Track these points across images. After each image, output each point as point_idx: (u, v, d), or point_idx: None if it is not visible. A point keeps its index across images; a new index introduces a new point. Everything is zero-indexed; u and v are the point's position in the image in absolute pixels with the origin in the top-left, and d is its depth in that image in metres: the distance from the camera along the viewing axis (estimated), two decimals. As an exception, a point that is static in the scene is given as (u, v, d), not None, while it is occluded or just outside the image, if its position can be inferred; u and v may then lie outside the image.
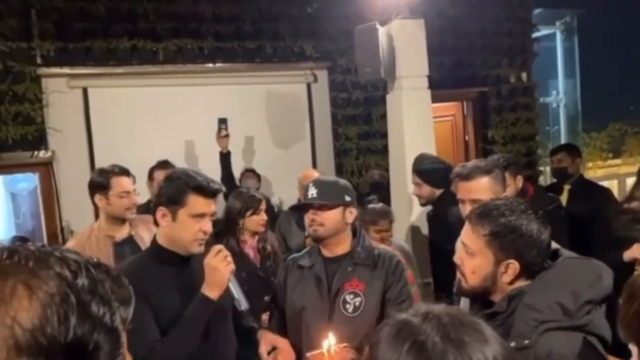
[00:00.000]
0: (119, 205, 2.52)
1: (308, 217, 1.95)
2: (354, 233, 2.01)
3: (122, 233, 2.56)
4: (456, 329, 0.74)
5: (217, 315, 1.73)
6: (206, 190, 1.70)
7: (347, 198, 1.96)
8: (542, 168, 6.30)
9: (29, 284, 0.57)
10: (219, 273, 1.64)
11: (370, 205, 3.05)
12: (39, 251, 0.61)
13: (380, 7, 3.69)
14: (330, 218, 1.92)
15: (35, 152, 4.27)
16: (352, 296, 1.88)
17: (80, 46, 4.33)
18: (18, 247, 0.61)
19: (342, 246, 1.97)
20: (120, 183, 2.53)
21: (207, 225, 1.70)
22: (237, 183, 4.13)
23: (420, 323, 0.75)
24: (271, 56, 4.90)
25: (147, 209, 2.66)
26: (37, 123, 4.25)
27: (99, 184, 2.53)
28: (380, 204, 3.07)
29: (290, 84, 5.03)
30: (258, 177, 4.42)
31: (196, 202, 1.68)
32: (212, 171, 4.11)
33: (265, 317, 2.33)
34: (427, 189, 2.99)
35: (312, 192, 1.95)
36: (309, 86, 5.09)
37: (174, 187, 1.69)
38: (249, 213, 2.78)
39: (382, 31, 3.56)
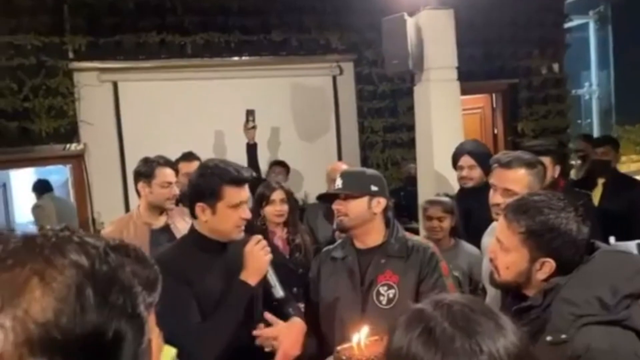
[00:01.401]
0: (160, 194, 2.61)
1: (334, 207, 1.96)
2: (387, 224, 1.99)
3: (159, 222, 2.65)
4: (466, 317, 0.75)
5: (251, 307, 1.77)
6: (239, 180, 1.76)
7: (374, 188, 1.94)
8: (573, 162, 6.14)
9: (43, 275, 0.53)
10: (260, 260, 1.73)
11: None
12: (55, 237, 0.57)
13: (407, -3, 3.64)
14: (355, 208, 1.91)
15: (68, 145, 4.37)
16: (385, 288, 1.87)
17: (110, 41, 4.41)
18: (34, 233, 0.58)
19: (373, 237, 1.96)
20: (164, 173, 2.62)
21: (245, 212, 1.78)
22: (264, 175, 4.15)
23: (431, 310, 0.77)
24: (297, 49, 4.90)
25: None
26: (69, 116, 4.35)
27: (144, 172, 2.63)
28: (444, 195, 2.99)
29: (316, 77, 5.02)
30: (287, 169, 4.42)
31: (232, 194, 1.74)
32: (239, 162, 4.15)
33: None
34: (479, 172, 2.91)
35: (338, 182, 1.96)
36: (334, 78, 5.07)
37: (209, 183, 1.75)
38: (264, 203, 2.79)
39: (410, 22, 3.51)
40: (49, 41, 4.26)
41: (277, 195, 2.81)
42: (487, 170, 2.92)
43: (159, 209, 2.64)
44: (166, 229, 2.62)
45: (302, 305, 2.20)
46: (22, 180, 6.47)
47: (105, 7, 4.36)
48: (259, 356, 1.75)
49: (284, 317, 1.88)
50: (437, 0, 3.55)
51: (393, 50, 3.58)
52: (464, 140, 3.15)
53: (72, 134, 4.38)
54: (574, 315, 1.21)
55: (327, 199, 2.08)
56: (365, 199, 1.92)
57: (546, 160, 2.60)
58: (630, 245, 1.89)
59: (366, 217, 1.93)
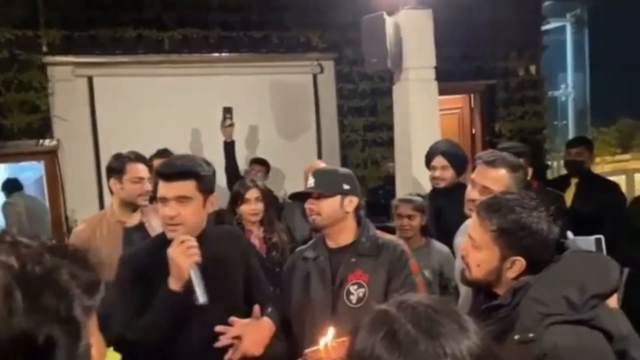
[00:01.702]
0: (132, 190, 2.54)
1: (306, 206, 1.95)
2: (359, 223, 1.99)
3: (133, 220, 2.58)
4: (430, 318, 0.75)
5: (213, 312, 1.69)
6: (161, 174, 1.70)
7: (346, 186, 1.94)
8: (549, 162, 6.24)
9: None
10: (177, 264, 1.62)
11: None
12: None
13: (387, -3, 3.65)
14: (327, 207, 1.90)
15: (41, 141, 4.28)
16: (355, 287, 1.87)
17: (86, 35, 4.33)
18: None
19: (345, 236, 1.96)
20: (135, 168, 2.56)
21: (168, 210, 1.67)
22: (243, 173, 4.12)
23: (395, 312, 0.76)
24: (277, 46, 4.87)
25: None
26: (42, 111, 4.26)
27: (115, 168, 2.57)
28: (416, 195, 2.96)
29: (296, 75, 5.00)
30: (267, 167, 4.38)
31: (159, 188, 1.69)
32: (216, 160, 4.13)
33: None
34: (451, 173, 2.93)
35: (311, 181, 1.95)
36: (315, 77, 5.06)
37: (153, 178, 1.75)
38: (239, 202, 2.76)
39: (389, 21, 3.51)
40: (22, 34, 4.17)
41: (252, 194, 2.78)
42: (459, 171, 2.96)
43: (132, 206, 2.58)
44: (140, 227, 2.57)
45: None
46: (-7, 176, 6.31)
47: (81, 0, 4.28)
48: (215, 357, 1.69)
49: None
50: (416, 0, 3.56)
51: (372, 49, 3.59)
52: (438, 140, 3.16)
53: (45, 129, 4.29)
54: (542, 314, 1.23)
55: (300, 197, 2.06)
56: (338, 198, 1.92)
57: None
58: (589, 240, 1.92)
59: (339, 216, 1.93)
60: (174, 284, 1.64)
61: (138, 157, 2.62)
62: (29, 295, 0.52)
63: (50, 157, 4.35)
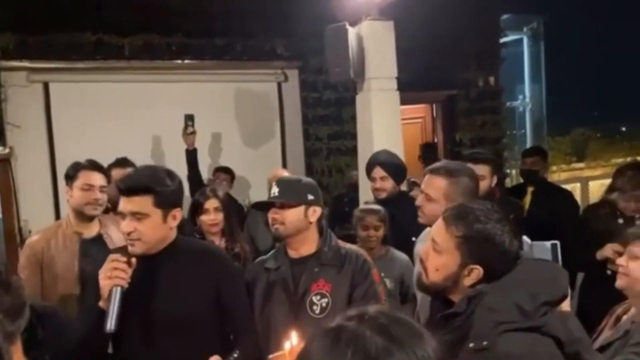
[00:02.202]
0: (79, 197, 2.45)
1: (270, 216, 1.94)
2: (321, 233, 1.98)
3: (90, 231, 2.50)
4: (395, 327, 0.74)
5: (167, 326, 1.66)
6: (119, 188, 1.67)
7: (310, 197, 1.93)
8: (508, 171, 6.42)
9: None
10: (101, 282, 1.60)
11: (365, 203, 2.99)
12: None
13: (350, 7, 3.69)
14: (291, 216, 1.89)
15: (-8, 148, 4.12)
16: (318, 297, 1.86)
17: (41, 39, 4.20)
18: None
19: (307, 246, 1.95)
20: (86, 175, 2.48)
21: (124, 226, 1.66)
22: (207, 182, 4.06)
23: (357, 326, 0.74)
24: (241, 54, 4.85)
25: None
26: (-6, 118, 4.10)
27: (67, 174, 2.51)
28: (373, 203, 2.91)
29: (260, 83, 5.00)
30: (231, 176, 4.33)
31: (119, 204, 1.66)
32: (179, 169, 4.07)
33: None
34: (391, 183, 2.98)
35: (274, 190, 1.93)
36: (279, 85, 5.07)
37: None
38: (199, 211, 2.73)
39: (351, 32, 3.56)
40: (-27, 38, 4.01)
41: (211, 204, 2.73)
42: (398, 181, 3.01)
43: (88, 217, 2.49)
44: (98, 239, 2.48)
45: None
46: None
47: (37, 3, 4.14)
48: None
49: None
50: (378, 12, 3.62)
51: (335, 58, 3.62)
52: (376, 151, 3.18)
53: (-3, 136, 4.13)
54: (495, 322, 1.25)
55: (263, 207, 2.05)
56: (302, 208, 1.91)
57: (485, 169, 2.70)
58: (546, 245, 1.98)
59: (302, 226, 1.91)
60: (101, 302, 1.60)
61: (93, 165, 2.54)
62: None
63: (3, 165, 4.19)
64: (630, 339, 1.75)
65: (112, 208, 2.63)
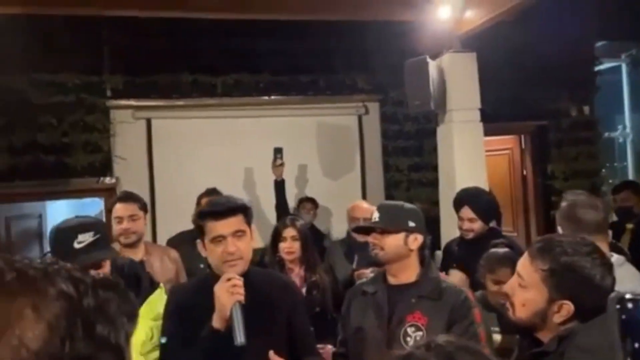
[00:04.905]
0: (114, 229, 2.54)
1: (370, 241, 1.92)
2: (422, 262, 1.92)
3: (135, 257, 2.53)
4: (461, 354, 0.74)
5: (235, 351, 1.65)
6: (214, 213, 1.71)
7: (411, 224, 1.88)
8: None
9: (36, 305, 0.56)
10: (220, 301, 1.60)
11: (492, 250, 2.44)
12: (46, 269, 0.60)
13: (432, 41, 3.72)
14: (391, 243, 1.85)
15: (101, 178, 4.54)
16: (413, 329, 1.79)
17: (145, 80, 4.63)
18: (26, 264, 0.60)
19: (406, 274, 1.89)
20: (115, 208, 2.56)
21: (229, 246, 1.67)
22: (292, 212, 4.19)
23: (424, 354, 0.75)
24: (324, 89, 5.02)
25: None
26: (104, 151, 4.54)
27: (107, 208, 2.63)
28: (505, 249, 2.43)
29: (342, 116, 5.11)
30: (316, 206, 4.45)
31: (211, 227, 1.70)
32: (267, 198, 4.26)
33: None
34: (480, 225, 2.87)
35: (375, 216, 1.91)
36: (360, 118, 5.15)
37: (196, 220, 1.76)
38: (278, 239, 2.80)
39: (432, 64, 3.57)
40: (88, 80, 4.51)
41: (289, 232, 2.81)
42: (488, 222, 2.85)
43: (127, 245, 2.53)
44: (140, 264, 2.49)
45: (329, 347, 2.17)
46: (57, 211, 6.69)
47: (142, 49, 4.60)
48: None
49: None
50: (460, 44, 3.61)
51: (415, 91, 3.64)
52: (466, 188, 3.04)
53: (105, 168, 4.56)
54: (587, 364, 1.18)
55: (364, 231, 2.04)
56: (402, 235, 1.86)
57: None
58: None
59: (402, 253, 1.87)
60: (217, 322, 1.62)
61: (121, 197, 2.62)
62: (87, 324, 0.58)
63: (109, 194, 4.57)
64: None
65: None
